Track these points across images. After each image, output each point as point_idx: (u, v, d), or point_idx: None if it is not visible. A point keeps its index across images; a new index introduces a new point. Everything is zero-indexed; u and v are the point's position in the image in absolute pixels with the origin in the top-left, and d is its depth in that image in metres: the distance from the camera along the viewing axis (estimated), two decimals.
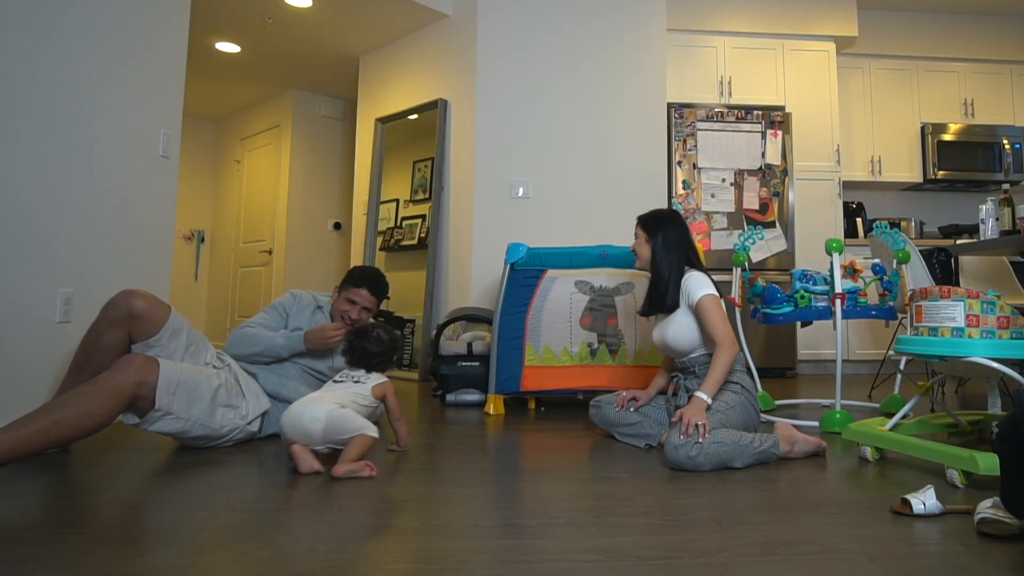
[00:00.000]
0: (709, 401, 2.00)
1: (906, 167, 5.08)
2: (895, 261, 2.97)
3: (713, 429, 1.90)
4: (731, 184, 4.38)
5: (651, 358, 3.05)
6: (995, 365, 1.76)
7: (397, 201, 4.84)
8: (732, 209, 4.37)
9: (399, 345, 2.21)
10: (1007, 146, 5.02)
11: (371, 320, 2.40)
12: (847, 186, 4.92)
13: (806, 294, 2.74)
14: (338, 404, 1.89)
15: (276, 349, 2.29)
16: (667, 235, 2.25)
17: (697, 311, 2.16)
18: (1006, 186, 3.44)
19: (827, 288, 2.73)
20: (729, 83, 4.66)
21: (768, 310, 2.83)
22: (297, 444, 1.84)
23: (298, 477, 1.77)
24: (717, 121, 4.42)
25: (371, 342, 2.08)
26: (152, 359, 1.91)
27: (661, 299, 2.25)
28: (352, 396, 1.97)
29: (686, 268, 2.26)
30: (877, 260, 3.12)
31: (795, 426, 2.20)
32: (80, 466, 1.89)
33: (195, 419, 1.99)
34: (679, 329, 2.22)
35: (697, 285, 2.18)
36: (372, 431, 1.86)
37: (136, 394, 1.84)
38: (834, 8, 4.79)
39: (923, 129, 5.05)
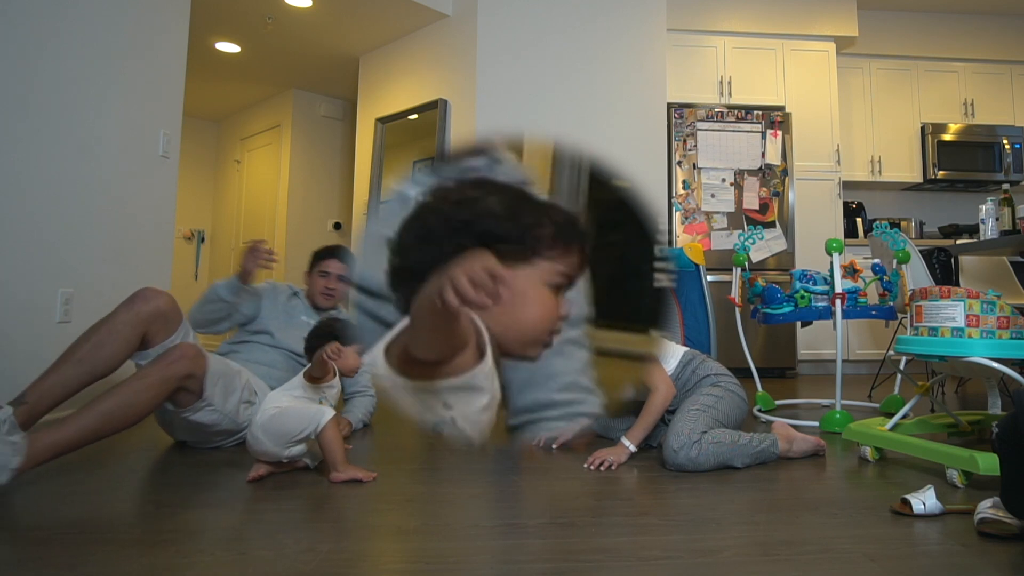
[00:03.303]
0: (633, 449, 1.98)
1: (906, 167, 5.08)
2: (895, 261, 2.97)
3: (709, 429, 1.90)
4: (731, 184, 4.38)
5: None
6: (995, 365, 1.76)
7: None
8: (732, 209, 4.36)
9: (327, 329, 1.94)
10: (1007, 146, 5.01)
11: (351, 290, 2.31)
12: (847, 186, 4.92)
13: (806, 294, 2.74)
14: (276, 406, 1.74)
15: (216, 289, 2.27)
16: None
17: None
18: (1006, 186, 3.44)
19: (827, 288, 2.73)
20: (729, 83, 4.65)
21: (768, 310, 2.83)
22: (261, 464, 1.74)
23: (298, 477, 1.77)
24: (717, 121, 4.42)
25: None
26: (202, 351, 1.91)
27: None
28: (290, 388, 1.83)
29: None
30: (877, 260, 3.12)
31: (795, 426, 2.20)
32: (81, 466, 1.89)
33: (226, 412, 2.00)
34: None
35: None
36: (325, 416, 1.70)
37: (182, 386, 1.83)
38: (834, 8, 4.79)
39: (923, 129, 5.05)
